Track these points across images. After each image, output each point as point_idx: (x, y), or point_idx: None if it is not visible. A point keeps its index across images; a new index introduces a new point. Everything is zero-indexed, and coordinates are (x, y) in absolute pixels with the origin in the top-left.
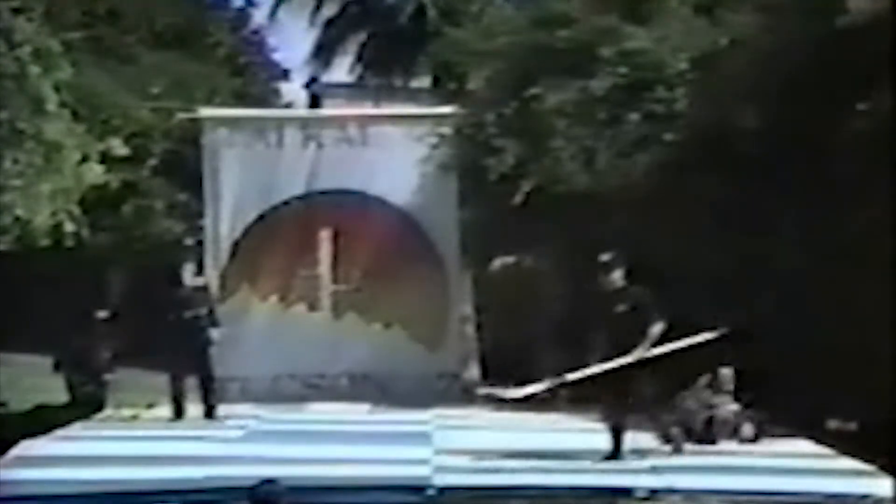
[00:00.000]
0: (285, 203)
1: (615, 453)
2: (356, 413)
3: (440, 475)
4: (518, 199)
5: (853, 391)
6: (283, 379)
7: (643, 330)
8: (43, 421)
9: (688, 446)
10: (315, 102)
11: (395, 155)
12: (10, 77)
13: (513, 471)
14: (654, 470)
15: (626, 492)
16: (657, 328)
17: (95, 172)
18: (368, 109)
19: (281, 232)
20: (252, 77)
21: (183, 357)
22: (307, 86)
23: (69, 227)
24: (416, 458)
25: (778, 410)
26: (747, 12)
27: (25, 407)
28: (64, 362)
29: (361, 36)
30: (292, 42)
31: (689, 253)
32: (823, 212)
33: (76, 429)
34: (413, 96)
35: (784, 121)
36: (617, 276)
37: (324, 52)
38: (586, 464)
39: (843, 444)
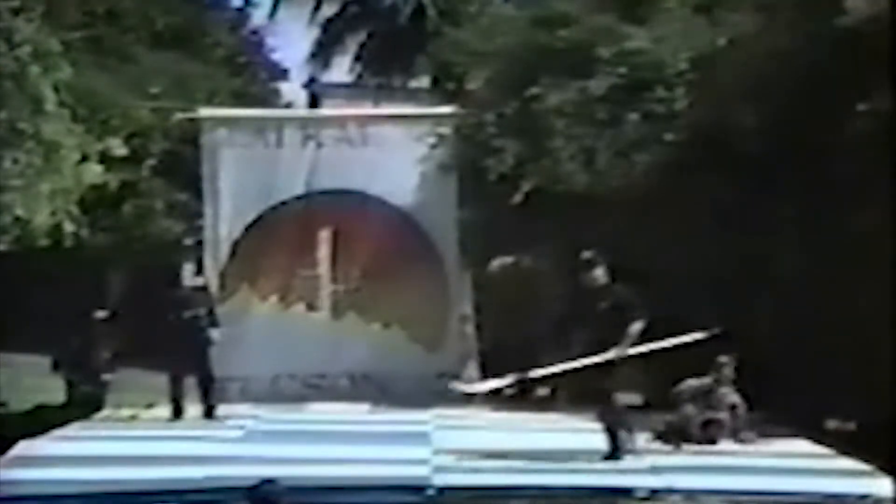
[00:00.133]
0: (285, 203)
1: (613, 453)
2: (356, 413)
3: (440, 475)
4: (518, 199)
5: (853, 391)
6: (283, 379)
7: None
8: (43, 421)
9: (687, 446)
10: (314, 102)
11: (394, 155)
12: (9, 77)
13: (513, 471)
14: (654, 470)
15: (626, 492)
16: (637, 326)
17: (95, 172)
18: (368, 109)
19: (280, 232)
20: (251, 77)
21: (183, 357)
22: (306, 86)
23: (69, 227)
24: (416, 458)
25: (778, 410)
26: (746, 12)
27: (25, 407)
28: (62, 362)
29: (361, 36)
30: (292, 42)
31: (688, 253)
32: (823, 212)
33: (76, 429)
34: (412, 96)
35: (783, 121)
36: (599, 274)
37: (323, 52)
38: (586, 464)
39: (843, 444)
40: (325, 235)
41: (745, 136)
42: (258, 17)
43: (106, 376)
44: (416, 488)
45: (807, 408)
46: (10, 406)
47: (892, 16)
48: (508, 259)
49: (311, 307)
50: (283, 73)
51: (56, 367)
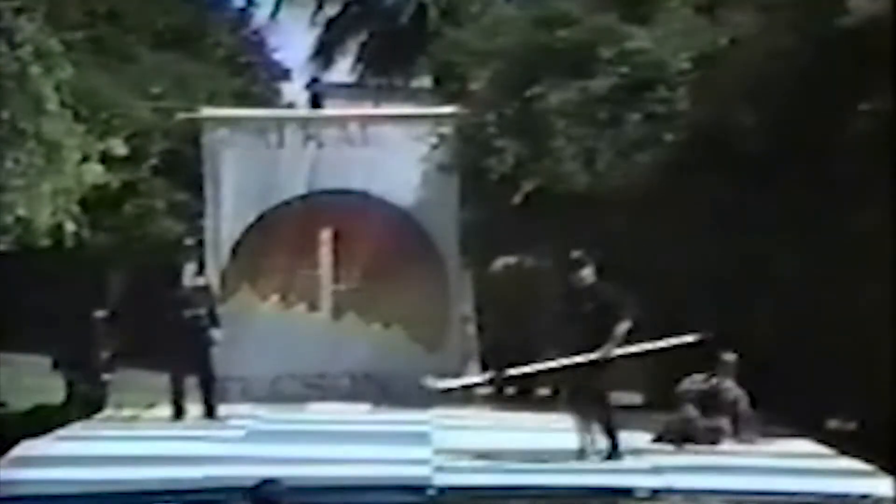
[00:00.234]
0: (286, 203)
1: (612, 452)
2: (356, 413)
3: (440, 475)
4: (518, 199)
5: (853, 391)
6: (284, 379)
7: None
8: (43, 421)
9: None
10: (316, 102)
11: (395, 155)
12: (10, 77)
13: (513, 471)
14: (654, 470)
15: (626, 492)
16: (623, 327)
17: (96, 172)
18: (369, 109)
19: (281, 232)
20: (253, 77)
21: (184, 357)
22: (308, 86)
23: (70, 226)
24: (416, 458)
25: (778, 410)
26: (748, 12)
27: (25, 407)
28: (62, 362)
29: (362, 36)
30: (293, 42)
31: (689, 253)
32: (823, 212)
33: (76, 429)
34: (413, 96)
35: (784, 121)
36: (587, 274)
37: (324, 52)
38: (586, 464)
39: (844, 444)
40: (325, 235)
41: (746, 136)
42: (260, 17)
43: (106, 376)
44: (416, 488)
45: (807, 408)
46: (10, 406)
47: (893, 16)
48: (509, 259)
49: (311, 307)
50: (284, 74)
51: (56, 366)
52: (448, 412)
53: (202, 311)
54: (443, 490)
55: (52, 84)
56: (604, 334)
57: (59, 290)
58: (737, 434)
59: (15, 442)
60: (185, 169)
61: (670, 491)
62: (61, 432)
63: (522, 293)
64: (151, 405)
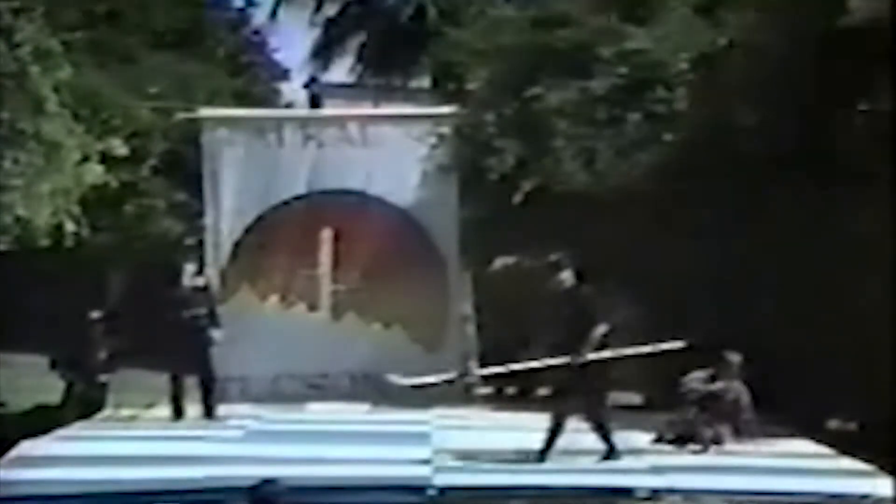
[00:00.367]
0: (285, 203)
1: (610, 452)
2: (356, 413)
3: (440, 475)
4: (518, 199)
5: (853, 391)
6: (283, 379)
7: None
8: (43, 421)
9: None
10: (315, 102)
11: (395, 155)
12: (10, 77)
13: (513, 471)
14: (654, 470)
15: (626, 492)
16: (599, 330)
17: (95, 172)
18: (368, 109)
19: (281, 232)
20: (252, 77)
21: (183, 357)
22: (307, 86)
23: (69, 226)
24: (416, 458)
25: (778, 410)
26: (747, 12)
27: (25, 407)
28: (59, 363)
29: (361, 36)
30: (292, 42)
31: (688, 252)
32: (823, 212)
33: (76, 429)
34: (413, 96)
35: (784, 121)
36: (566, 277)
37: (324, 52)
38: (586, 464)
39: (844, 444)
40: (325, 235)
41: (746, 136)
42: (259, 17)
43: (103, 377)
44: (416, 488)
45: (807, 408)
46: (9, 406)
47: (893, 16)
48: (509, 259)
49: (311, 307)
50: (283, 74)
51: (54, 366)
52: (448, 412)
53: (202, 311)
54: (443, 490)
55: (51, 84)
56: (582, 337)
57: (59, 290)
58: (738, 435)
59: (15, 442)
60: (185, 169)
61: (670, 491)
62: (61, 432)
63: (522, 293)
64: (151, 405)
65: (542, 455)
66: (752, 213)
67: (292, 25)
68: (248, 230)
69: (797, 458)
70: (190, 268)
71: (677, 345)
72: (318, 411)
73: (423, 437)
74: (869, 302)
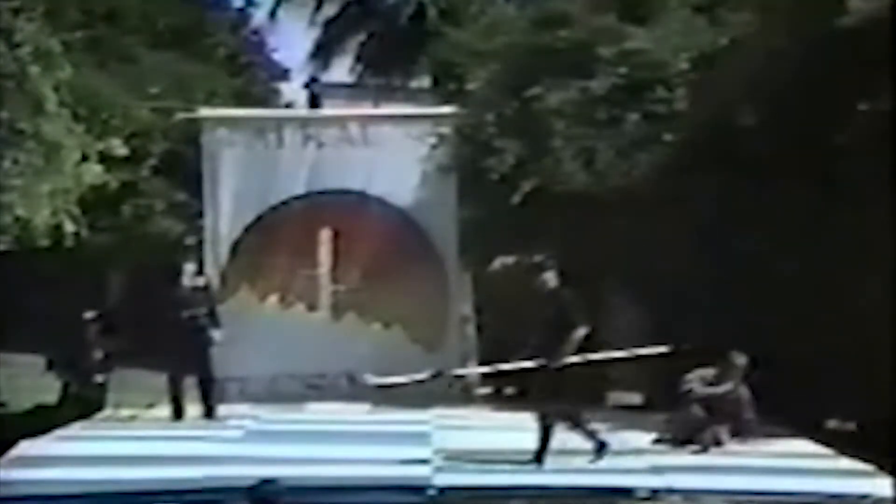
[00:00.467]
0: (285, 203)
1: (599, 450)
2: (356, 413)
3: (440, 475)
4: (518, 199)
5: (853, 391)
6: (283, 379)
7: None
8: (43, 421)
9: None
10: (315, 102)
11: (394, 155)
12: (10, 77)
13: (513, 471)
14: (654, 470)
15: (626, 492)
16: (580, 332)
17: (95, 172)
18: (368, 109)
19: (280, 232)
20: (252, 77)
21: (182, 357)
22: (307, 86)
23: (69, 226)
24: (416, 458)
25: (778, 410)
26: (747, 12)
27: (25, 407)
28: (56, 363)
29: (361, 36)
30: (292, 42)
31: (688, 252)
32: (823, 212)
33: (76, 429)
34: (413, 96)
35: (784, 121)
36: (549, 277)
37: (324, 52)
38: (586, 464)
39: (843, 444)
40: (325, 235)
41: (745, 136)
42: (259, 17)
43: (99, 377)
44: (416, 488)
45: (807, 408)
46: (9, 406)
47: (893, 16)
48: (509, 259)
49: (311, 307)
50: (283, 74)
51: (50, 367)
52: (448, 412)
53: (201, 312)
54: (443, 490)
55: (51, 84)
56: (563, 339)
57: (58, 290)
58: (738, 435)
59: (15, 442)
60: (185, 169)
61: (670, 491)
62: (61, 432)
63: (522, 293)
64: (151, 405)
65: (538, 456)
66: (751, 213)
67: (292, 25)
68: (247, 230)
69: (797, 458)
70: (190, 268)
71: (662, 349)
72: (318, 411)
73: (423, 437)
74: (869, 302)
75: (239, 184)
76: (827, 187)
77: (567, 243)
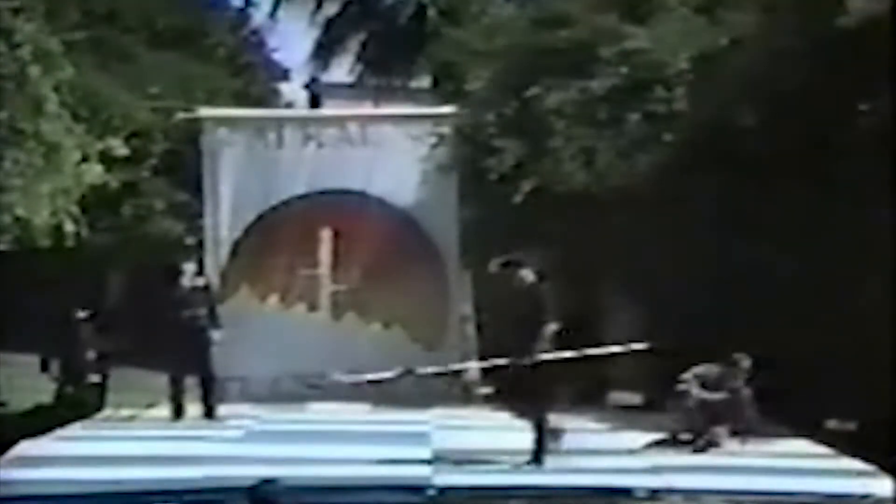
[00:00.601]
0: (285, 203)
1: (536, 454)
2: (356, 413)
3: (440, 475)
4: (518, 199)
5: (853, 391)
6: (283, 379)
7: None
8: (43, 421)
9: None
10: (315, 102)
11: (394, 155)
12: (10, 77)
13: (513, 471)
14: (654, 470)
15: (626, 492)
16: (550, 329)
17: (95, 172)
18: (368, 109)
19: (281, 232)
20: (252, 77)
21: (183, 357)
22: (307, 86)
23: (69, 227)
24: (416, 458)
25: (778, 410)
26: (747, 12)
27: (25, 407)
28: (50, 363)
29: (361, 36)
30: (292, 42)
31: (688, 252)
32: (823, 212)
33: (76, 429)
34: (413, 96)
35: (784, 121)
36: (525, 275)
37: (323, 52)
38: (586, 464)
39: (843, 444)
40: (325, 235)
41: (746, 136)
42: (259, 17)
43: (93, 377)
44: (416, 488)
45: (807, 408)
46: (10, 406)
47: (893, 16)
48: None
49: (311, 307)
50: (283, 73)
51: (44, 368)
52: (448, 412)
53: (202, 312)
54: (443, 490)
55: (51, 84)
56: (536, 336)
57: (59, 290)
58: (738, 435)
59: (15, 442)
60: (185, 169)
61: (670, 491)
62: (61, 432)
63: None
64: (151, 405)
65: (536, 456)
66: (751, 214)
67: (292, 25)
68: (247, 230)
69: (797, 458)
70: (190, 268)
71: (641, 346)
72: (318, 411)
73: (423, 437)
74: (869, 302)
75: (239, 184)
76: (827, 187)
77: (567, 243)
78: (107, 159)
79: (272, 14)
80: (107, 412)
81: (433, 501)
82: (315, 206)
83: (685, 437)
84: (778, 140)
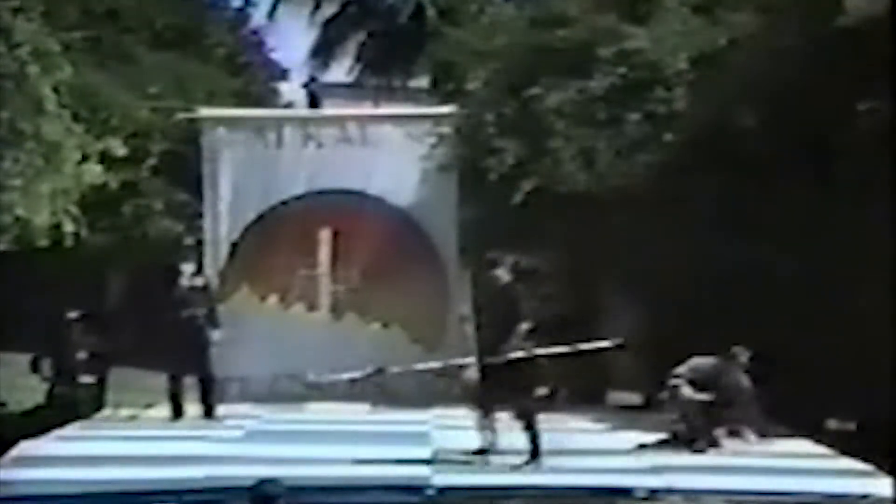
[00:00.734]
0: (284, 203)
1: (532, 454)
2: (356, 413)
3: (440, 475)
4: (518, 199)
5: (853, 391)
6: (283, 379)
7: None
8: (43, 421)
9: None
10: (314, 102)
11: (394, 155)
12: (9, 77)
13: (512, 471)
14: (654, 470)
15: (626, 492)
16: (523, 327)
17: (95, 172)
18: (368, 109)
19: (280, 232)
20: (251, 77)
21: (182, 357)
22: (306, 86)
23: (69, 226)
24: (416, 458)
25: (778, 410)
26: (747, 12)
27: (25, 407)
28: (41, 362)
29: (360, 36)
30: (291, 42)
31: (688, 252)
32: (823, 212)
33: (76, 429)
34: (412, 96)
35: (784, 121)
36: (501, 273)
37: (323, 52)
38: (586, 464)
39: (843, 444)
40: (324, 235)
41: (745, 136)
42: (258, 17)
43: (85, 378)
44: (416, 488)
45: (807, 408)
46: (9, 406)
47: (893, 16)
48: (509, 259)
49: (311, 307)
50: (282, 73)
51: (34, 368)
52: (448, 412)
53: (201, 312)
54: (443, 490)
55: (50, 84)
56: (510, 334)
57: (58, 290)
58: (737, 435)
59: (15, 442)
60: (184, 169)
61: (670, 491)
62: (61, 432)
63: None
64: (151, 405)
65: (533, 455)
66: (751, 214)
67: (291, 25)
68: (247, 230)
69: (797, 458)
70: (189, 268)
71: (598, 346)
72: (318, 411)
73: (423, 437)
74: (869, 302)
75: (239, 184)
76: (827, 187)
77: (567, 243)
78: (107, 159)
79: (271, 14)
80: (106, 412)
81: (433, 501)
82: (314, 206)
83: (685, 437)
84: (778, 140)
